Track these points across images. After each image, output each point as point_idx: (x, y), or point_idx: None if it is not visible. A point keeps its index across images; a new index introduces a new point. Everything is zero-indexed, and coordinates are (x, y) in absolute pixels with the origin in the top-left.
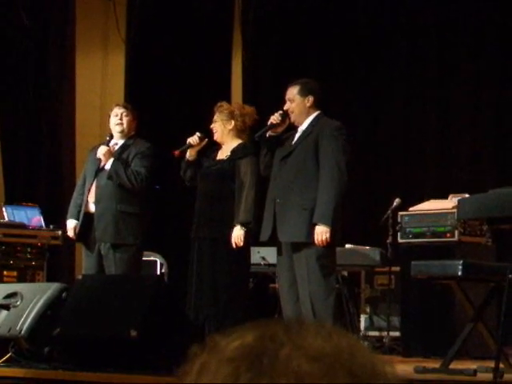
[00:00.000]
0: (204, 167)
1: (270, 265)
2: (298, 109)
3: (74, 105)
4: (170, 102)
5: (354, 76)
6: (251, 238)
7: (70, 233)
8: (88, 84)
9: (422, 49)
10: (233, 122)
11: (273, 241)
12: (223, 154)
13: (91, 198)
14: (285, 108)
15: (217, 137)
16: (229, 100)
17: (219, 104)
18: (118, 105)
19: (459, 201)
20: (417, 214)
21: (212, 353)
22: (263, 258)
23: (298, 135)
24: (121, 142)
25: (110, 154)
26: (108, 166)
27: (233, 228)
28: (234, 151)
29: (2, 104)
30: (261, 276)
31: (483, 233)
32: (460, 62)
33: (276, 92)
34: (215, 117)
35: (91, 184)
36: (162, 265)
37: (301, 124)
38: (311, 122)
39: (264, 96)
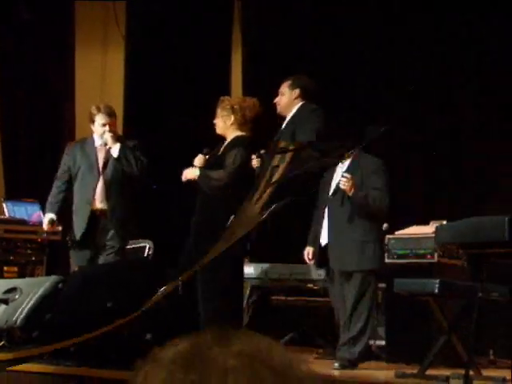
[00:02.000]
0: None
1: (271, 279)
2: (283, 101)
3: (74, 100)
4: (170, 98)
5: (356, 77)
6: (245, 250)
7: (47, 226)
8: (87, 80)
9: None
10: (233, 117)
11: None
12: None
13: (98, 197)
14: (275, 101)
15: (218, 131)
16: (229, 96)
17: (221, 99)
18: (100, 111)
19: (437, 227)
20: (402, 238)
21: (152, 362)
22: (265, 273)
23: (283, 126)
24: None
25: (114, 138)
26: (115, 152)
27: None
28: (227, 145)
29: (2, 100)
30: (262, 289)
31: (460, 255)
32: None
33: (276, 89)
34: (217, 112)
35: (96, 183)
36: (149, 248)
37: (287, 114)
38: (294, 113)
39: (264, 93)
